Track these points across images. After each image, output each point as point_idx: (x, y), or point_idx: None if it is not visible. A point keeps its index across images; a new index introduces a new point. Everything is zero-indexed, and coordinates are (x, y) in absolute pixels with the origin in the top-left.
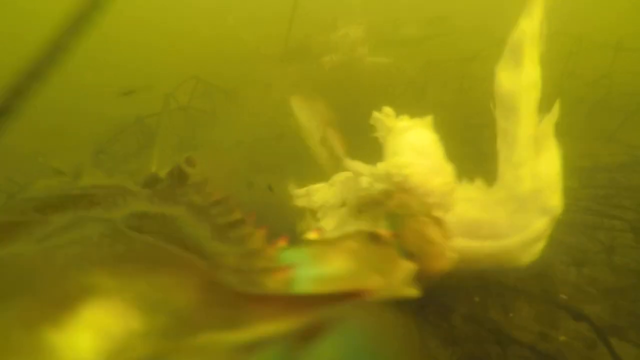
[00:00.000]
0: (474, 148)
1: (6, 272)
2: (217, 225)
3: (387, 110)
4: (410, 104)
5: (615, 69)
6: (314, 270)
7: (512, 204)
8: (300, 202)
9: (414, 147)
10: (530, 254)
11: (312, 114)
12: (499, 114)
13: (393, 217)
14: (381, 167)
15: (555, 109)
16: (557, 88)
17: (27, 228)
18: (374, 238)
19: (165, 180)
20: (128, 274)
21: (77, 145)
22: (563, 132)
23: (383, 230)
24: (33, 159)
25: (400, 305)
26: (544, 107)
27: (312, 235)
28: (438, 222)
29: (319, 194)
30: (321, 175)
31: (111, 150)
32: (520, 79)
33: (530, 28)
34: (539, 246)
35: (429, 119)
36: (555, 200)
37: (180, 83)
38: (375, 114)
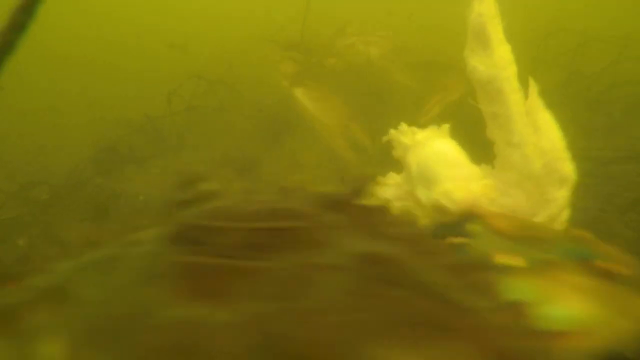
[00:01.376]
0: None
1: None
2: (448, 268)
3: (403, 126)
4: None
5: (621, 60)
6: (553, 310)
7: (527, 184)
8: None
9: (444, 160)
10: (560, 224)
11: (327, 107)
12: (482, 100)
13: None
14: (425, 198)
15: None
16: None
17: (257, 279)
18: (604, 273)
19: (349, 202)
20: (415, 343)
21: (77, 144)
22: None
23: (619, 265)
24: (33, 158)
25: None
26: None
27: (518, 261)
28: None
29: None
30: None
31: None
32: (495, 61)
33: (486, 9)
34: (566, 214)
35: (446, 127)
36: (568, 168)
37: (182, 81)
38: (392, 131)
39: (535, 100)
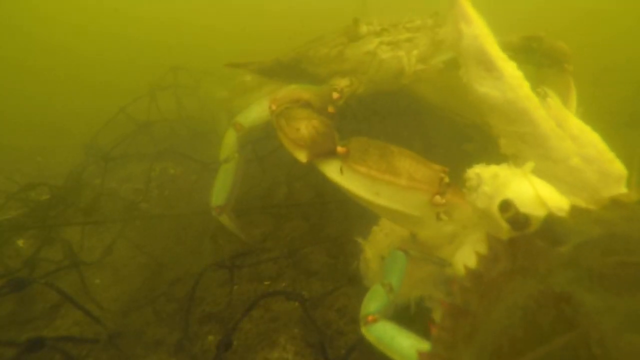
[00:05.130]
0: None
1: None
2: None
3: (483, 170)
4: None
5: None
6: None
7: (581, 194)
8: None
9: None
10: None
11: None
12: (501, 122)
13: None
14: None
15: (551, 92)
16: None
17: None
18: None
19: None
20: None
21: (75, 143)
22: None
23: None
24: (33, 159)
25: None
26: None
27: None
28: None
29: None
30: None
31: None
32: (507, 82)
33: (479, 30)
34: None
35: (530, 165)
36: (619, 166)
37: (163, 74)
38: (471, 177)
39: (563, 111)
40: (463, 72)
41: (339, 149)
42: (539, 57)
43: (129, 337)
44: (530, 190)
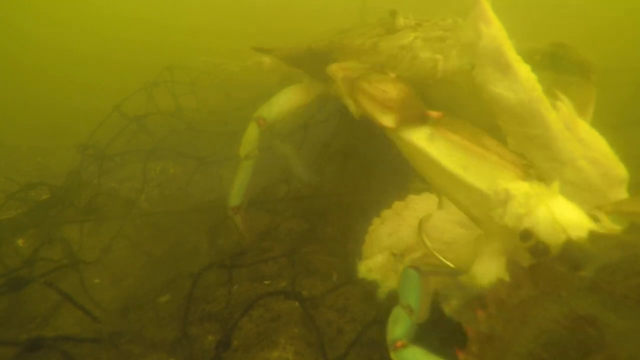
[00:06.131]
0: None
1: None
2: None
3: (516, 190)
4: None
5: None
6: None
7: (586, 194)
8: None
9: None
10: None
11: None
12: (512, 123)
13: None
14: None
15: (563, 96)
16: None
17: None
18: None
19: None
20: None
21: (75, 143)
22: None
23: None
24: (33, 159)
25: None
26: None
27: None
28: None
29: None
30: None
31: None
32: (522, 84)
33: (497, 31)
34: None
35: (556, 185)
36: (622, 170)
37: (159, 72)
38: (500, 195)
39: (572, 114)
40: (477, 72)
41: (432, 112)
42: (565, 64)
43: (128, 336)
44: (553, 217)
